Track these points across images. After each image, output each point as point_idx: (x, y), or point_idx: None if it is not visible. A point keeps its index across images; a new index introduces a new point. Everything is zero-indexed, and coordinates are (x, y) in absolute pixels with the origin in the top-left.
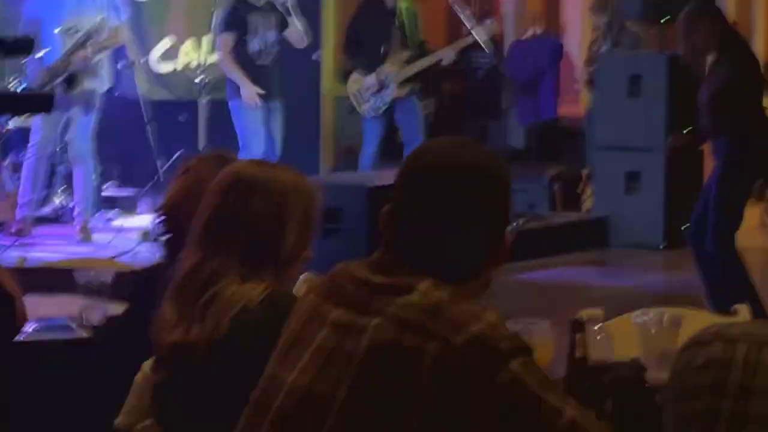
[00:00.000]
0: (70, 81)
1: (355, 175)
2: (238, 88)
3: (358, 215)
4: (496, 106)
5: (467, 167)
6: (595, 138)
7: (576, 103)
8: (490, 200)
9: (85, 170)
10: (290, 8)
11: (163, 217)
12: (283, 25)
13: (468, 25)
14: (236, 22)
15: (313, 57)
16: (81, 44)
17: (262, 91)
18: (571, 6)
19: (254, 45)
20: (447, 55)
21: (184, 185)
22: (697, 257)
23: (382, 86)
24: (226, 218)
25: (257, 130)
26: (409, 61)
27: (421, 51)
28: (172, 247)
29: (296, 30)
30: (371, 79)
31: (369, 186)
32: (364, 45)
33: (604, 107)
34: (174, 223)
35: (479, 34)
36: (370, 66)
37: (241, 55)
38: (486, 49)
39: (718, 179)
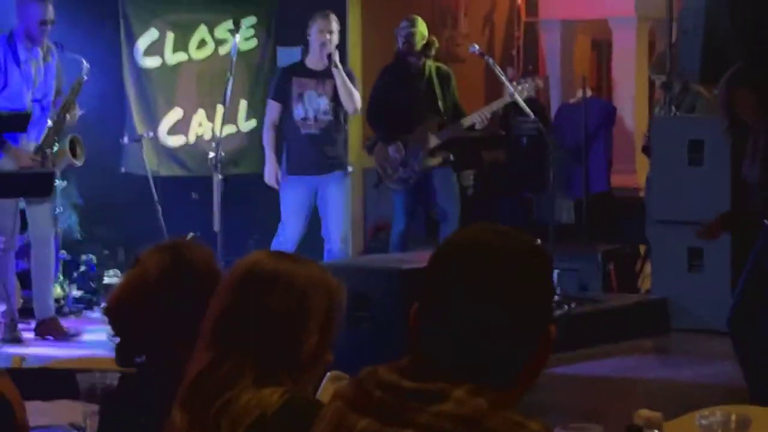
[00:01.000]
0: (74, 149)
1: (386, 258)
2: (289, 160)
3: (389, 302)
4: (542, 177)
5: (504, 257)
6: (652, 211)
7: (631, 172)
8: (531, 293)
9: (50, 252)
10: (337, 64)
11: (108, 320)
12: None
13: (508, 86)
14: (281, 88)
15: None
16: (67, 107)
17: (276, 177)
18: (623, 65)
19: (299, 112)
20: (480, 117)
21: (128, 281)
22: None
23: (409, 156)
24: (239, 316)
25: (297, 209)
26: (440, 128)
27: (455, 115)
28: (124, 354)
29: (343, 90)
30: (396, 149)
31: (400, 269)
32: (388, 112)
33: (662, 176)
34: (120, 325)
35: (518, 93)
36: (396, 135)
37: (286, 123)
38: (526, 111)
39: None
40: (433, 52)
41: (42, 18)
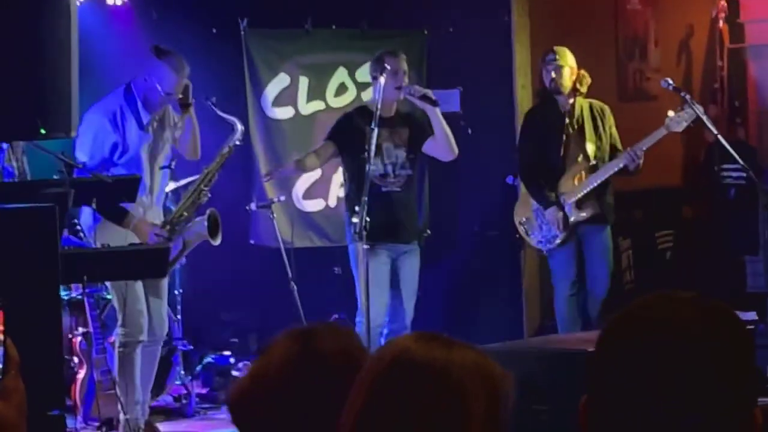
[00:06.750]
0: (211, 225)
1: (568, 338)
2: (355, 228)
3: (571, 392)
4: (754, 234)
5: (699, 336)
6: None
7: None
8: (732, 377)
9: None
10: (434, 102)
11: (231, 416)
12: (417, 140)
13: (711, 129)
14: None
15: (508, 181)
16: (210, 176)
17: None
18: None
19: (377, 167)
20: (630, 156)
21: (251, 372)
22: None
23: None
24: (383, 416)
25: (380, 286)
26: (588, 174)
27: (614, 159)
28: None
29: (442, 138)
30: (550, 212)
31: (586, 351)
32: (537, 161)
33: None
34: (243, 422)
35: (674, 124)
36: (546, 185)
37: (358, 179)
38: (734, 156)
39: None
40: (584, 88)
41: (170, 91)
